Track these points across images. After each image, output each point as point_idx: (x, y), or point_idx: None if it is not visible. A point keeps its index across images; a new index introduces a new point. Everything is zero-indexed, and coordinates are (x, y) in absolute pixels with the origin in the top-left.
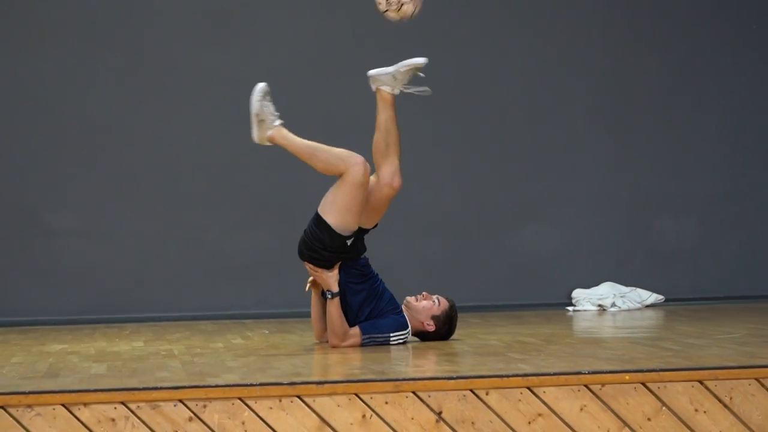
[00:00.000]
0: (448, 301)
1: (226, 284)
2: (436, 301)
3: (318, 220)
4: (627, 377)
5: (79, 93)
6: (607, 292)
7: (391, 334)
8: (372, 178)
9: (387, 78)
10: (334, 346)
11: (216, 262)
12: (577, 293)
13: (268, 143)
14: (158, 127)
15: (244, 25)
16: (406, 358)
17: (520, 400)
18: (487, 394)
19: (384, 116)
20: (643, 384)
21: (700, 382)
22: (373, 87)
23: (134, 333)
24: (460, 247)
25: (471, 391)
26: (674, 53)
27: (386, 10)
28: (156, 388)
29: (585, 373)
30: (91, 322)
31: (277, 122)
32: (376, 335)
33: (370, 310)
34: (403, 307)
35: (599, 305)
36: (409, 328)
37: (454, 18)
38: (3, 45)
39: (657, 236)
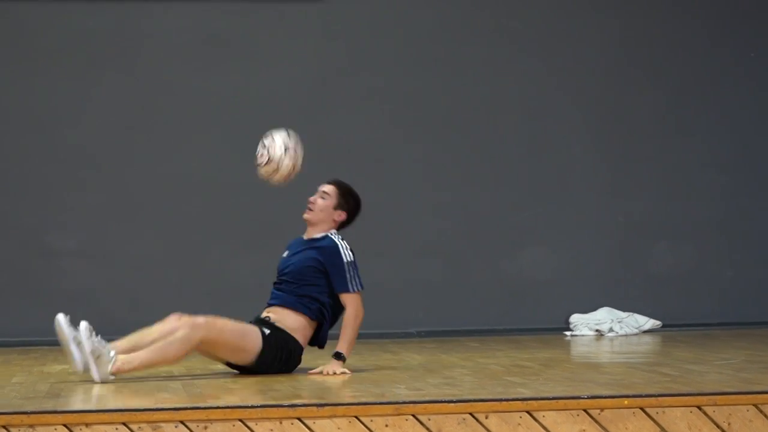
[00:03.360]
0: (330, 183)
1: (226, 306)
2: (324, 195)
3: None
4: (626, 402)
5: (78, 114)
6: (604, 317)
7: (348, 257)
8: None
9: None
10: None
11: (216, 284)
12: (575, 318)
13: (112, 377)
14: (159, 149)
15: (244, 49)
16: (406, 381)
17: (519, 424)
18: (486, 417)
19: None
20: (642, 409)
21: (699, 407)
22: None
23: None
24: (459, 272)
25: (471, 414)
26: (670, 81)
27: (259, 164)
28: (158, 409)
29: (584, 398)
30: None
31: (113, 352)
32: (354, 277)
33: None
34: (310, 229)
35: (597, 330)
36: (337, 236)
37: (450, 45)
38: (4, 67)
39: (654, 262)
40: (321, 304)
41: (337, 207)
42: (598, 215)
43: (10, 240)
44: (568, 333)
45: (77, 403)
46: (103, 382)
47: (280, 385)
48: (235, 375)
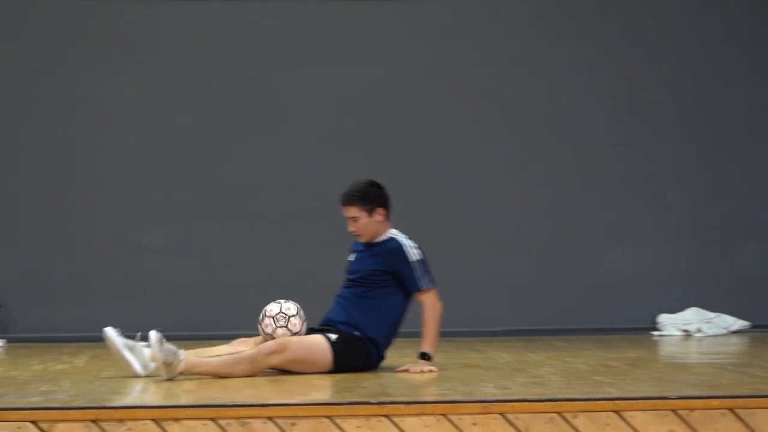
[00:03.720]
0: (344, 204)
1: (315, 303)
2: (353, 219)
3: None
4: (715, 403)
5: (168, 112)
6: (692, 317)
7: (414, 256)
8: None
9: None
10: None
11: (303, 281)
12: (663, 318)
13: (181, 377)
14: (250, 146)
15: (327, 47)
16: (493, 379)
17: (607, 424)
18: (574, 417)
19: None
20: (732, 410)
21: None
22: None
23: None
24: (546, 271)
25: (558, 414)
26: (764, 81)
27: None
28: (246, 406)
29: (673, 398)
30: (178, 338)
31: (182, 354)
32: (424, 275)
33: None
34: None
35: (684, 330)
36: (401, 236)
37: (537, 42)
38: (98, 64)
39: (743, 262)
40: (391, 305)
41: (372, 213)
42: (687, 214)
43: (98, 236)
44: (655, 333)
45: (166, 398)
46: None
47: (367, 383)
48: (324, 372)
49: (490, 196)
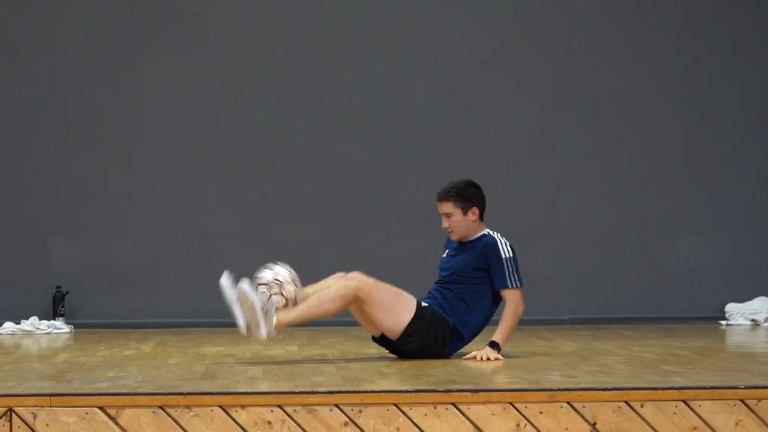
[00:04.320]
0: (441, 200)
1: None
2: (447, 215)
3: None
4: None
5: (236, 98)
6: (760, 306)
7: (506, 253)
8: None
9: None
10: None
11: (369, 269)
12: (730, 307)
13: (276, 334)
14: (315, 135)
15: (399, 35)
16: (560, 368)
17: (675, 413)
18: (642, 406)
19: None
20: None
21: None
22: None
23: (288, 337)
24: (613, 260)
25: (626, 402)
26: None
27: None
28: (313, 393)
29: (741, 388)
30: None
31: (274, 299)
32: (513, 273)
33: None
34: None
35: (752, 320)
36: (495, 234)
37: (605, 32)
38: (168, 53)
39: None
40: (483, 301)
41: (465, 210)
42: (755, 204)
43: (167, 223)
44: (723, 322)
45: (233, 384)
46: (269, 339)
47: (434, 370)
48: (390, 359)
49: (557, 185)
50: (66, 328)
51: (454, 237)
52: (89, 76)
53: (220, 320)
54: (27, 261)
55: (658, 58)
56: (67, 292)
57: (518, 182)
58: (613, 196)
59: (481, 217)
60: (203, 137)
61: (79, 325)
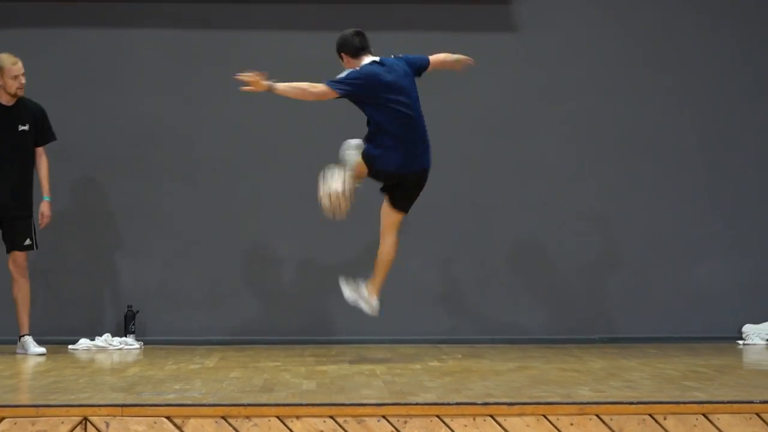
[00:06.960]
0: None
1: (425, 312)
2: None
3: None
4: None
5: (294, 130)
6: None
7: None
8: None
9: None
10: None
11: (418, 292)
12: (747, 328)
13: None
14: None
15: (443, 74)
16: (589, 383)
17: (695, 426)
18: (665, 418)
19: None
20: None
21: None
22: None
23: (340, 354)
24: (641, 283)
25: (650, 415)
26: None
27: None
28: (362, 404)
29: (757, 403)
30: (301, 343)
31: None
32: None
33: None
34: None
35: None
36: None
37: (638, 70)
38: (221, 87)
39: None
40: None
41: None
42: None
43: (229, 247)
44: (740, 342)
45: (289, 397)
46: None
47: (473, 384)
48: (433, 374)
49: (589, 213)
50: (136, 345)
51: None
52: (160, 110)
53: (278, 338)
54: (101, 282)
55: (683, 97)
56: (138, 311)
57: (555, 210)
58: (642, 225)
59: (353, 56)
60: (266, 164)
61: (148, 341)
